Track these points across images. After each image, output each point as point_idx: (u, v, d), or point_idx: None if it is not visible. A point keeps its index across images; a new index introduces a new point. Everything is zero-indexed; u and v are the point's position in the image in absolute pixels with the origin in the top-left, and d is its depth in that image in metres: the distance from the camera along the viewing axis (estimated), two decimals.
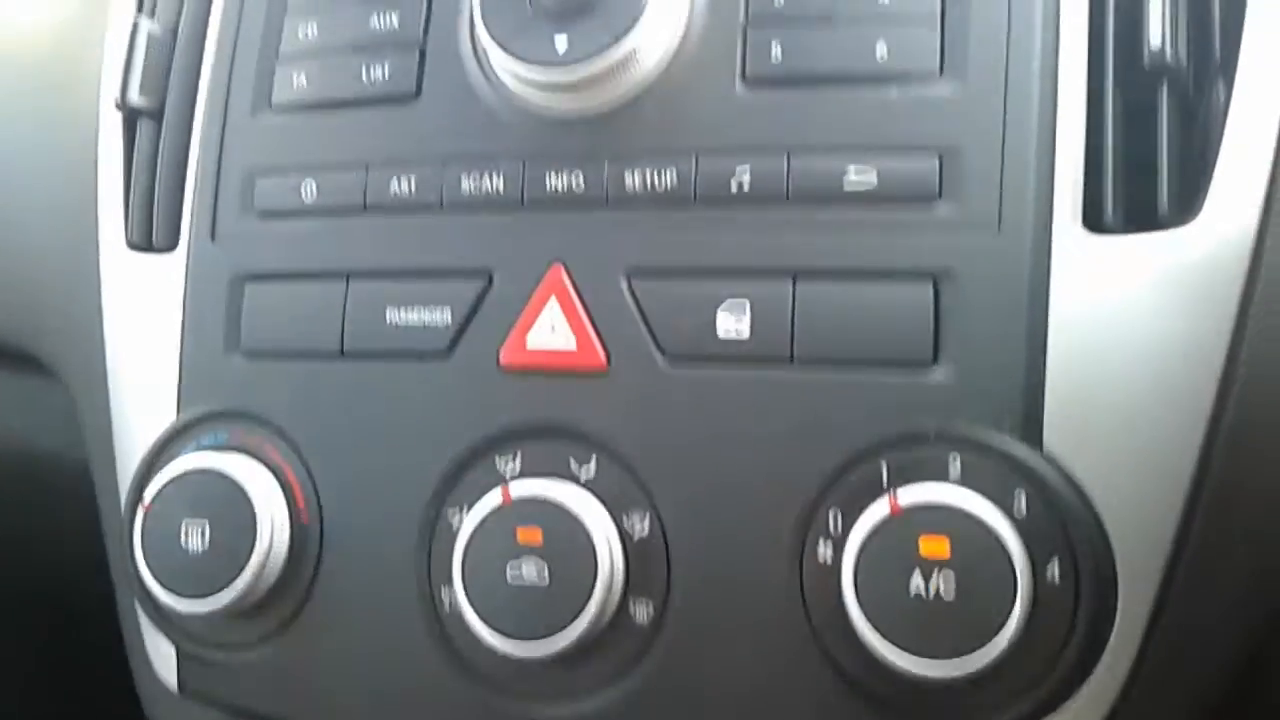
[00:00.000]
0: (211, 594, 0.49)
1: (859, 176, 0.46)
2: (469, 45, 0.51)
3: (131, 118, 0.59)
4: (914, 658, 0.41)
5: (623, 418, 0.47)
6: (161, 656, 0.55)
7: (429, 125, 0.51)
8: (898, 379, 0.45)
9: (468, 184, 0.49)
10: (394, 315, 0.50)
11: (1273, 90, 0.45)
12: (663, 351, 0.47)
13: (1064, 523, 0.42)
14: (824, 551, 0.44)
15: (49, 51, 0.67)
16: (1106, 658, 0.43)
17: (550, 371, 0.48)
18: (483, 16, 0.48)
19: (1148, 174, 0.46)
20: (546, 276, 0.48)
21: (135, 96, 0.58)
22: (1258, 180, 0.44)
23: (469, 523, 0.46)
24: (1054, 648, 0.43)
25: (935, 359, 0.44)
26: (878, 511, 0.43)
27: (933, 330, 0.44)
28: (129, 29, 0.59)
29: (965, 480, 0.43)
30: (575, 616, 0.45)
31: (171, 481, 0.50)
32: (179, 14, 0.59)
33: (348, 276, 0.51)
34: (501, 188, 0.49)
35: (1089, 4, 0.46)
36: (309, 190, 0.52)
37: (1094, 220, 0.45)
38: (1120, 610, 0.43)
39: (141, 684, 0.59)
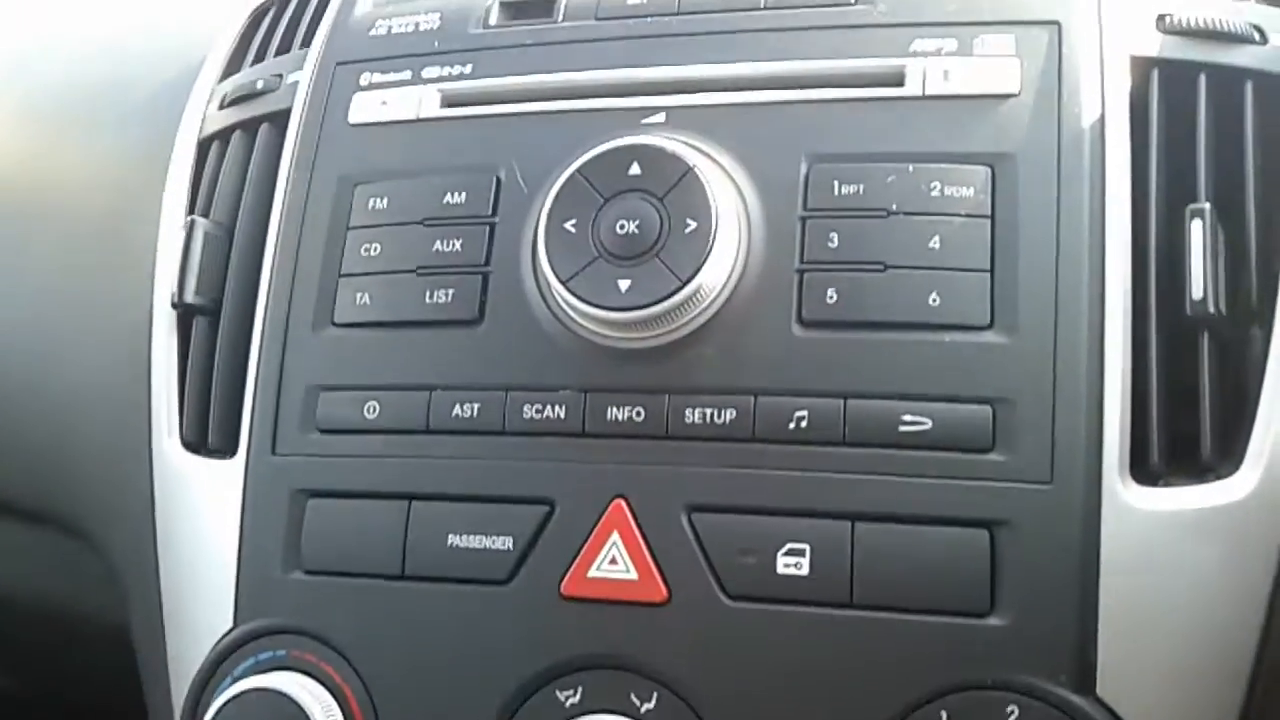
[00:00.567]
0: None
1: (914, 423, 0.47)
2: (531, 274, 0.52)
3: (187, 314, 0.60)
4: None
5: (684, 654, 0.48)
6: None
7: (491, 350, 0.52)
8: (955, 625, 0.46)
9: (530, 412, 0.51)
10: (455, 540, 0.51)
11: None
12: (723, 588, 0.48)
13: None
14: None
15: (99, 225, 0.68)
16: None
17: (611, 602, 0.49)
18: (547, 255, 0.50)
19: (1189, 416, 0.48)
20: (609, 510, 0.49)
21: (192, 296, 0.59)
22: None
23: None
24: None
25: (992, 607, 0.46)
26: None
27: (989, 579, 0.46)
28: (184, 226, 0.60)
29: None
30: None
31: (232, 700, 0.51)
32: (236, 211, 0.61)
33: (410, 499, 0.52)
34: (563, 416, 0.50)
35: (1132, 255, 0.48)
36: (372, 409, 0.53)
37: (1138, 464, 0.47)
38: None
39: None
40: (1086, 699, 0.45)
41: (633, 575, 0.49)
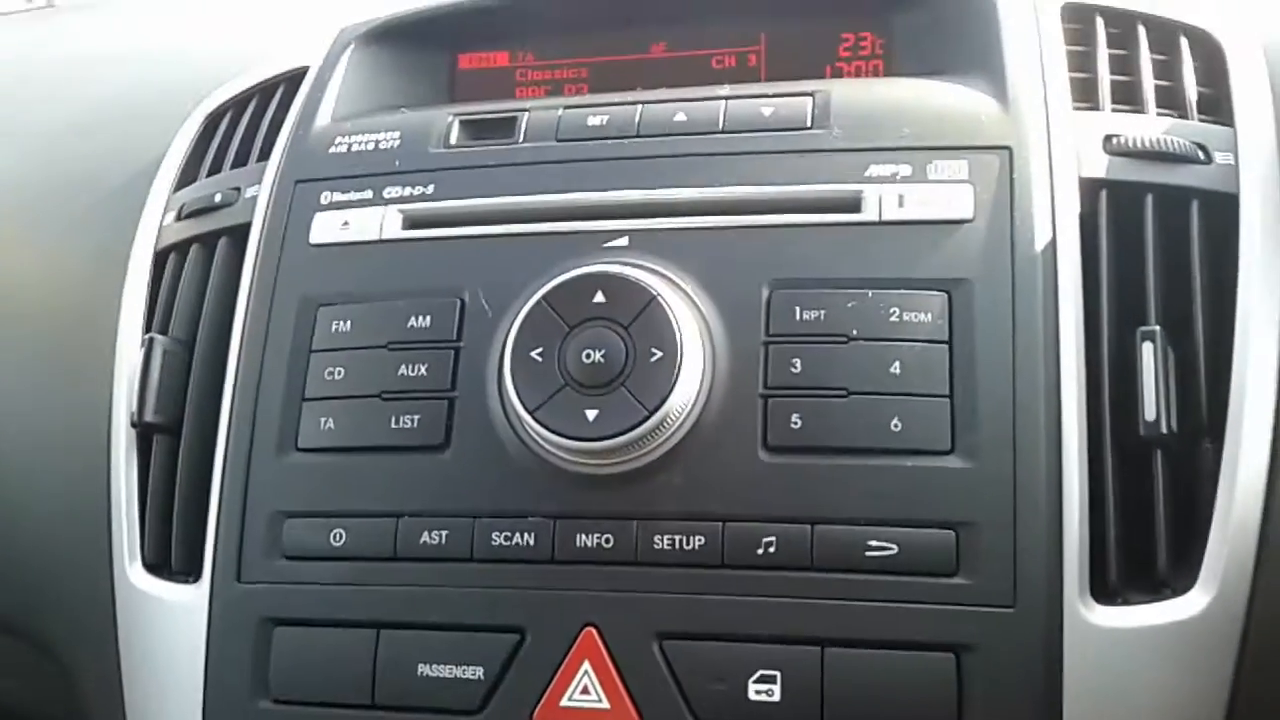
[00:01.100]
0: None
1: (880, 548, 0.48)
2: (497, 400, 0.52)
3: (147, 433, 0.59)
4: None
5: None
6: None
7: (458, 477, 0.52)
8: None
9: (498, 539, 0.51)
10: (425, 669, 0.51)
11: (1258, 455, 0.49)
12: (695, 715, 0.48)
13: None
14: None
15: (54, 332, 0.67)
16: None
17: None
18: (514, 384, 0.50)
19: (1144, 532, 0.49)
20: (580, 639, 0.49)
21: (151, 415, 0.58)
22: (1247, 548, 0.48)
23: None
24: None
25: None
26: None
27: (956, 704, 0.47)
28: (143, 344, 0.59)
29: None
30: None
31: None
32: (195, 327, 0.60)
33: (379, 627, 0.52)
34: (532, 543, 0.51)
35: (1085, 378, 0.50)
36: (338, 536, 0.53)
37: (1097, 581, 0.48)
38: None
39: None
40: None
41: (605, 705, 0.49)
